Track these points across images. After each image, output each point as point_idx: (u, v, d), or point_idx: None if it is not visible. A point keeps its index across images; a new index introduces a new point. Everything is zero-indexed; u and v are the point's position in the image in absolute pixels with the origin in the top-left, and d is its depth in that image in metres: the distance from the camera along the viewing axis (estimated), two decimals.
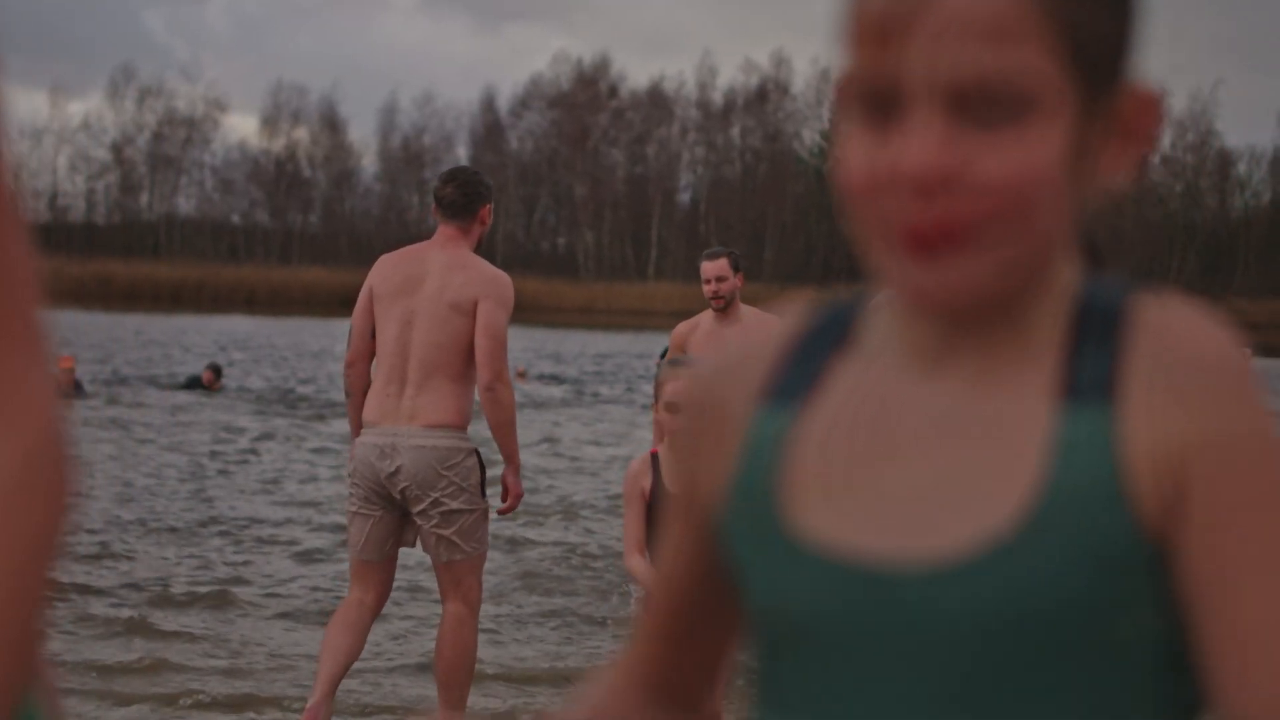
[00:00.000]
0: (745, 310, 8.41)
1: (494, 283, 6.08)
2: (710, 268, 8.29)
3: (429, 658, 6.81)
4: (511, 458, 6.15)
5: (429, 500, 5.97)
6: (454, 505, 5.98)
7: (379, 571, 6.15)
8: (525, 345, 36.33)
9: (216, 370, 24.91)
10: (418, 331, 6.03)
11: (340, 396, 24.99)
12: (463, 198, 6.16)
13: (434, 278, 6.07)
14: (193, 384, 24.62)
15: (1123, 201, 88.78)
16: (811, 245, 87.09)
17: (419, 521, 6.04)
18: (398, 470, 5.97)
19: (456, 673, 6.05)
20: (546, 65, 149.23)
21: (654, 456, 5.19)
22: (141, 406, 21.58)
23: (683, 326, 8.51)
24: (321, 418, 21.14)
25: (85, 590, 8.97)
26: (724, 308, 8.30)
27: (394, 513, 6.06)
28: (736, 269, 8.32)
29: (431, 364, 6.01)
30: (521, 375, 25.72)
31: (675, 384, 4.92)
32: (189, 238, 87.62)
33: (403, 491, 5.99)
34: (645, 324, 56.96)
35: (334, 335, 45.46)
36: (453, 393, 6.03)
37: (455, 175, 6.33)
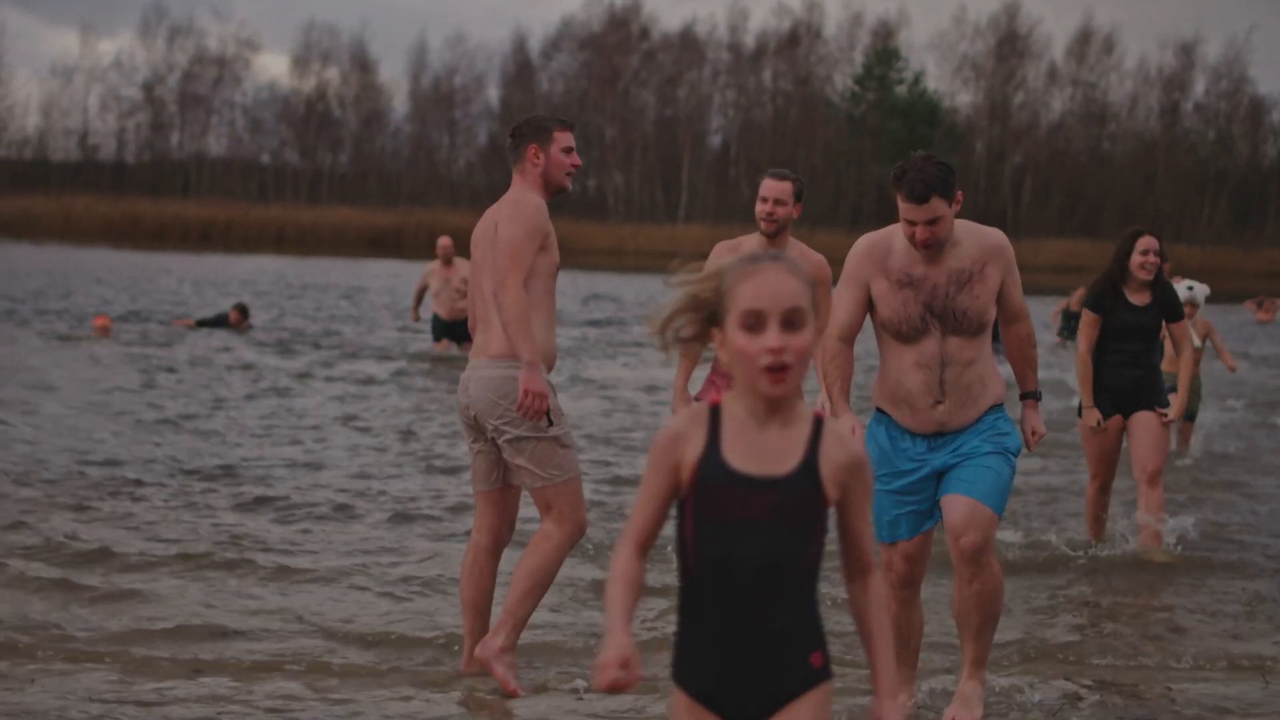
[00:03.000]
0: (793, 243, 7.83)
1: (510, 205, 6.28)
2: (773, 187, 7.82)
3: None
4: (520, 357, 6.11)
5: (492, 427, 6.20)
6: (516, 432, 6.17)
7: (490, 503, 6.41)
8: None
9: (243, 310, 24.85)
10: (485, 273, 6.29)
11: (370, 339, 24.96)
12: (511, 141, 6.45)
13: (495, 222, 6.31)
14: (220, 322, 24.62)
15: (1155, 148, 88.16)
16: (841, 189, 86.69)
17: (499, 450, 6.27)
18: (469, 402, 6.25)
19: (526, 580, 6.21)
20: (578, 6, 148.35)
21: (714, 410, 3.24)
22: (169, 345, 21.62)
23: (724, 246, 7.75)
24: (353, 357, 21.15)
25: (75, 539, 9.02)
26: (774, 233, 7.79)
27: (490, 444, 6.31)
28: (798, 197, 7.84)
29: (493, 300, 6.24)
30: None
31: (753, 283, 3.12)
32: (218, 177, 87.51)
33: (475, 420, 6.24)
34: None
35: (362, 276, 45.47)
36: None
37: (517, 122, 6.56)
